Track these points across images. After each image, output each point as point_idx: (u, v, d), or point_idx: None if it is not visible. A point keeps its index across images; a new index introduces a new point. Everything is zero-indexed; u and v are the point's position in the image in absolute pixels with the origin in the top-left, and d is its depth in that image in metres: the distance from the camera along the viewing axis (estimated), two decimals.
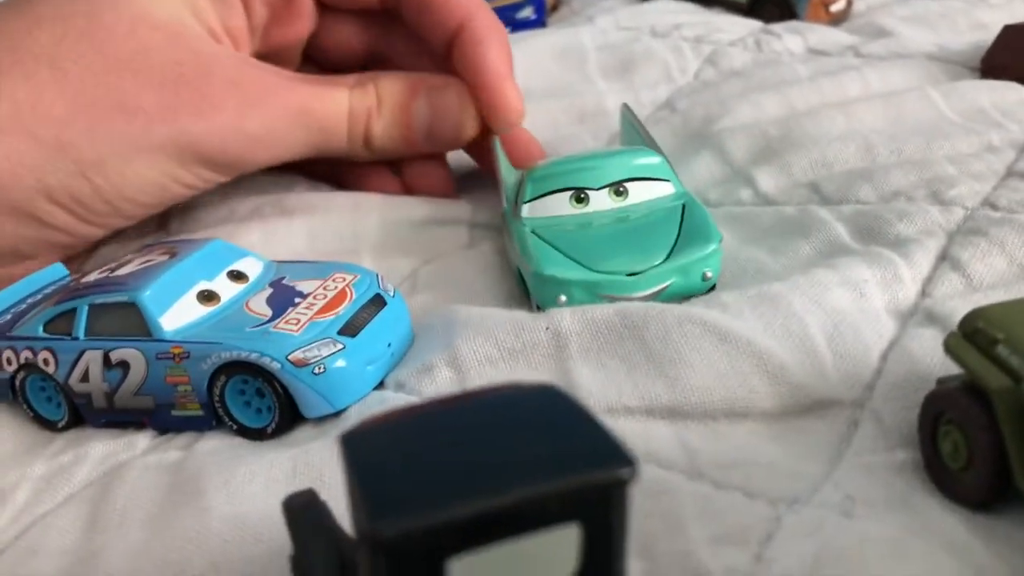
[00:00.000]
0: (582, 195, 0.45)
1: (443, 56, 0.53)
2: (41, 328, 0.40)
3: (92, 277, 0.41)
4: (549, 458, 0.20)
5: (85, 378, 0.39)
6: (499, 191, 0.49)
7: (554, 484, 0.19)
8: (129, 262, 0.42)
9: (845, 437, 0.33)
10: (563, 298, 0.40)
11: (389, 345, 0.39)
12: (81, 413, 0.40)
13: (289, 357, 0.36)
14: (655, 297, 0.40)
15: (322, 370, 0.36)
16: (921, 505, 0.29)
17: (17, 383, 0.41)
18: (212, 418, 0.38)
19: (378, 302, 0.40)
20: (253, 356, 0.36)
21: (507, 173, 0.49)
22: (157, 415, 0.39)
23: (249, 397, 0.37)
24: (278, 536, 0.30)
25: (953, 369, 0.32)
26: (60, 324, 0.40)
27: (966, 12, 0.75)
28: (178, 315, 0.38)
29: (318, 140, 0.50)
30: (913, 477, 0.31)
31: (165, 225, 0.54)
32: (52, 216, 0.44)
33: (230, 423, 0.38)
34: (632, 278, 0.40)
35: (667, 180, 0.46)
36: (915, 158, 0.50)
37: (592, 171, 0.45)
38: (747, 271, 0.43)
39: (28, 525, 0.34)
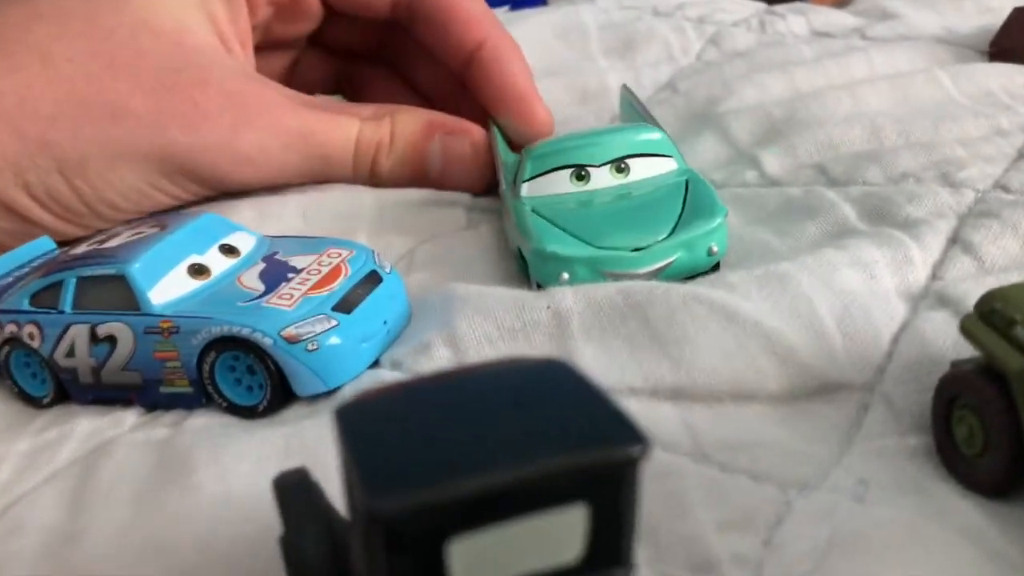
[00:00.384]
0: (583, 172, 0.44)
1: (458, 72, 0.52)
2: (27, 301, 0.39)
3: (80, 249, 0.40)
4: (556, 434, 0.18)
5: (71, 353, 0.38)
6: (497, 173, 0.48)
7: (561, 461, 0.18)
8: (118, 234, 0.40)
9: (855, 421, 0.32)
10: (565, 276, 0.39)
11: (385, 323, 0.38)
12: (67, 389, 0.39)
13: (282, 333, 0.35)
14: (660, 273, 0.39)
15: (315, 347, 0.35)
16: (935, 490, 0.28)
17: (1, 358, 0.39)
18: (202, 395, 0.37)
19: (374, 279, 0.38)
20: (244, 331, 0.35)
21: (505, 154, 0.49)
22: (145, 392, 0.37)
23: (240, 374, 0.36)
24: (268, 516, 0.28)
25: (966, 352, 0.31)
26: (46, 297, 0.39)
27: None
28: (167, 289, 0.37)
29: (318, 167, 0.48)
30: (926, 462, 0.30)
31: None
32: (29, 211, 0.44)
33: (220, 401, 0.37)
34: (636, 254, 0.39)
35: (669, 156, 0.45)
36: (923, 140, 0.49)
37: (593, 148, 0.44)
38: (753, 252, 0.42)
39: (11, 502, 0.33)
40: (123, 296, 0.37)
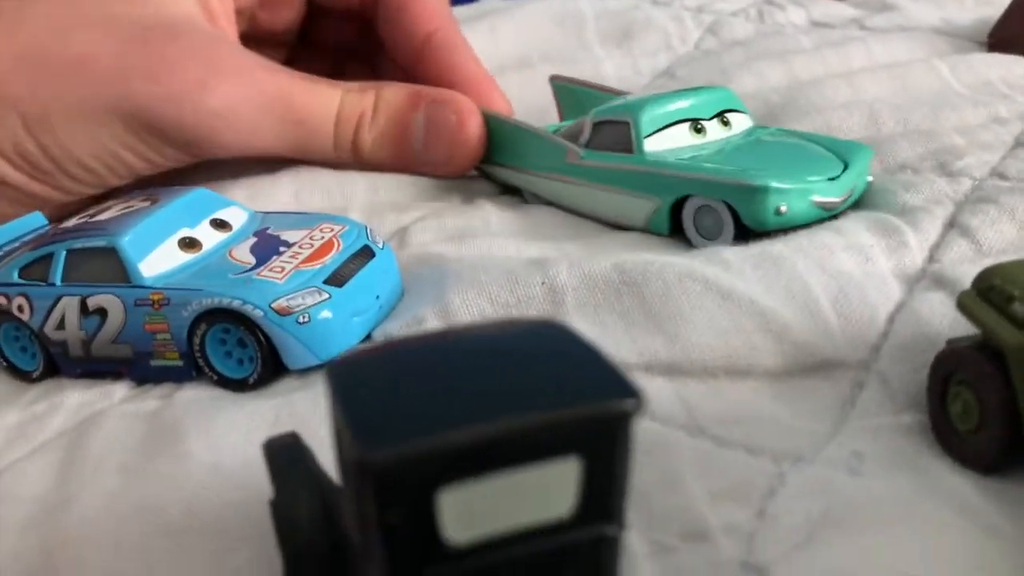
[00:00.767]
0: (699, 126, 0.44)
1: (412, 61, 0.53)
2: (16, 274, 0.39)
3: (71, 223, 0.40)
4: (549, 388, 0.18)
5: (61, 325, 0.38)
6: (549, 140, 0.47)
7: (554, 414, 0.18)
8: (109, 208, 0.40)
9: (850, 399, 0.32)
10: (784, 207, 0.39)
11: (377, 297, 0.38)
12: (56, 363, 0.39)
13: (272, 305, 0.35)
14: (846, 201, 0.41)
15: (306, 320, 0.35)
16: (929, 466, 0.28)
17: None
18: (192, 368, 0.36)
19: (366, 253, 0.38)
20: (235, 303, 0.35)
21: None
22: (135, 365, 0.37)
23: (230, 347, 0.36)
24: (258, 483, 0.28)
25: (963, 332, 0.31)
26: (36, 270, 0.38)
27: None
28: (158, 261, 0.37)
29: (296, 135, 0.47)
30: (920, 440, 0.30)
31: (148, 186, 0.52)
32: (1, 170, 0.43)
33: (210, 374, 0.36)
34: (833, 183, 0.40)
35: (746, 113, 0.46)
36: (921, 128, 0.49)
37: (699, 102, 0.45)
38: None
39: None
40: (114, 268, 0.37)
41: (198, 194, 0.40)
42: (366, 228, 0.40)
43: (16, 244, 0.42)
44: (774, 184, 0.39)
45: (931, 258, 0.38)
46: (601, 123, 0.45)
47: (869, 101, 0.52)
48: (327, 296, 0.35)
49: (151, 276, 0.36)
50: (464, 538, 0.18)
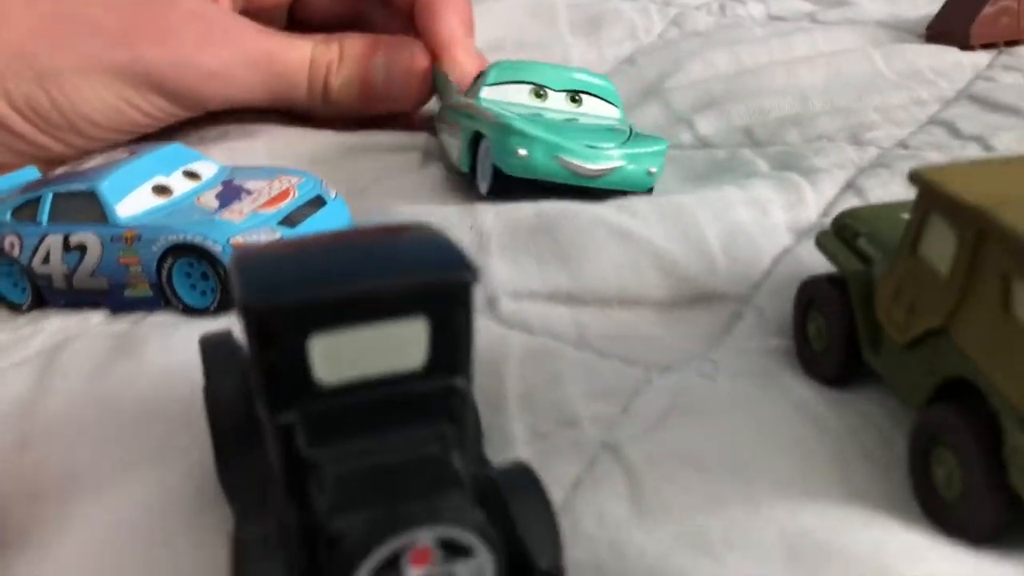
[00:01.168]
0: (541, 91, 0.48)
1: (408, 22, 0.57)
2: (8, 215, 0.43)
3: (58, 171, 0.45)
4: (407, 263, 0.23)
5: (47, 260, 0.42)
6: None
7: (404, 280, 0.22)
8: (93, 159, 0.45)
9: (727, 326, 0.36)
10: (523, 152, 0.42)
11: None
12: (43, 295, 0.43)
13: (231, 241, 0.39)
14: (604, 176, 0.43)
15: None
16: (781, 376, 0.32)
17: None
18: (161, 299, 0.41)
19: (319, 202, 0.43)
20: (197, 239, 0.39)
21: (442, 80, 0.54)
22: (111, 295, 0.42)
23: (195, 280, 0.41)
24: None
25: None
26: (26, 211, 0.43)
27: None
28: (133, 204, 0.41)
29: (277, 86, 0.53)
30: (781, 358, 0.34)
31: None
32: (11, 120, 0.48)
33: (176, 303, 0.41)
34: (590, 150, 0.43)
35: (615, 105, 0.50)
36: (843, 107, 0.53)
37: (555, 74, 0.49)
38: None
39: None
40: (93, 210, 0.41)
41: (173, 148, 0.45)
42: (321, 181, 0.44)
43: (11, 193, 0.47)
44: (517, 126, 0.43)
45: (824, 213, 0.42)
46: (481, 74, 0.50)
47: (802, 86, 0.56)
48: (279, 235, 0.40)
49: (126, 217, 0.41)
50: (332, 379, 0.22)
